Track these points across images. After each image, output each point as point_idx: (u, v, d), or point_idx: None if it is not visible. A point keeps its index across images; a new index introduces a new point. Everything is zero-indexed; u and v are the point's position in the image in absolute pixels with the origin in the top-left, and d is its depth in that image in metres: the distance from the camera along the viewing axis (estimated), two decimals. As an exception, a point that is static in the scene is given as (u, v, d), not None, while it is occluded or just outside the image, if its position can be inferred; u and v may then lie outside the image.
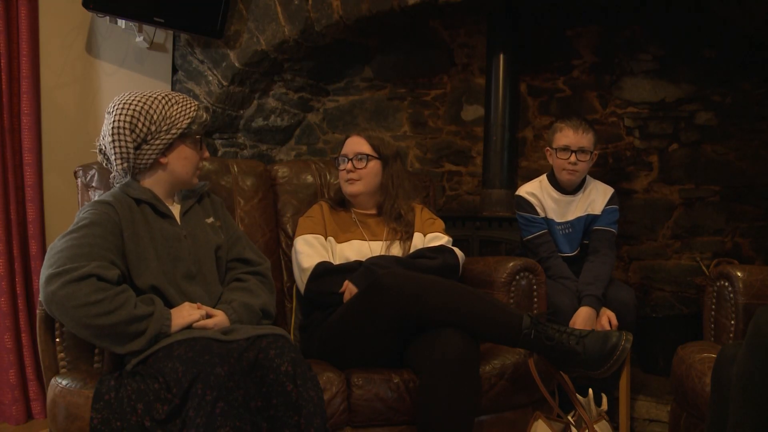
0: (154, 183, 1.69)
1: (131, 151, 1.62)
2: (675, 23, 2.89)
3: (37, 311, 1.57)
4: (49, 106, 2.57)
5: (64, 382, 1.49)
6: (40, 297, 1.48)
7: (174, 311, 1.55)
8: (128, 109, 1.61)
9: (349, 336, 1.75)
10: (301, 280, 1.97)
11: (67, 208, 2.56)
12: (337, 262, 2.01)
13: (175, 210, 1.75)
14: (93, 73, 2.77)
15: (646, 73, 2.99)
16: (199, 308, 1.58)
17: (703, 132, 2.93)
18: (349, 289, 1.89)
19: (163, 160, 1.66)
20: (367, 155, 2.08)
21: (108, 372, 1.54)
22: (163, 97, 1.64)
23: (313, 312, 1.98)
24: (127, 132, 1.60)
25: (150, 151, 1.63)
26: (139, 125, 1.60)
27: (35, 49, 2.48)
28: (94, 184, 1.97)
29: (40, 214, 2.50)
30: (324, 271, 1.94)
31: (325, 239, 2.04)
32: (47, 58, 2.57)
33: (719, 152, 2.92)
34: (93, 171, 1.98)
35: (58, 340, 1.55)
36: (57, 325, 1.55)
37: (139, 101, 1.62)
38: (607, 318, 2.22)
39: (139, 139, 1.61)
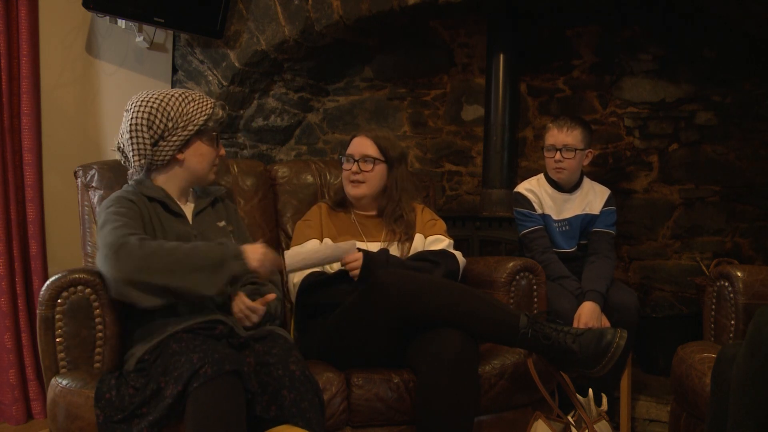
0: (168, 180, 1.71)
1: (149, 147, 1.65)
2: (675, 23, 2.89)
3: (37, 311, 1.56)
4: (49, 106, 2.57)
5: (64, 382, 1.49)
6: (107, 273, 1.48)
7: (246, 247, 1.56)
8: (146, 106, 1.64)
9: (349, 336, 1.75)
10: (293, 294, 1.98)
11: (67, 208, 2.56)
12: (335, 263, 2.00)
13: (188, 209, 1.75)
14: (93, 73, 2.77)
15: (646, 73, 2.99)
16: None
17: (703, 132, 2.93)
18: (353, 265, 1.87)
19: (179, 156, 1.68)
20: (374, 158, 2.04)
21: (108, 371, 1.54)
22: (180, 95, 1.68)
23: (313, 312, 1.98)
24: (145, 129, 1.63)
25: (167, 148, 1.65)
26: (156, 122, 1.63)
27: (35, 49, 2.48)
28: (94, 184, 1.97)
29: (40, 214, 2.50)
30: (309, 285, 1.93)
31: (320, 242, 2.02)
32: (47, 58, 2.57)
33: (719, 152, 2.92)
34: (93, 171, 1.98)
35: (58, 340, 1.55)
36: (57, 325, 1.54)
37: (156, 98, 1.65)
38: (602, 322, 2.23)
39: (156, 136, 1.64)
